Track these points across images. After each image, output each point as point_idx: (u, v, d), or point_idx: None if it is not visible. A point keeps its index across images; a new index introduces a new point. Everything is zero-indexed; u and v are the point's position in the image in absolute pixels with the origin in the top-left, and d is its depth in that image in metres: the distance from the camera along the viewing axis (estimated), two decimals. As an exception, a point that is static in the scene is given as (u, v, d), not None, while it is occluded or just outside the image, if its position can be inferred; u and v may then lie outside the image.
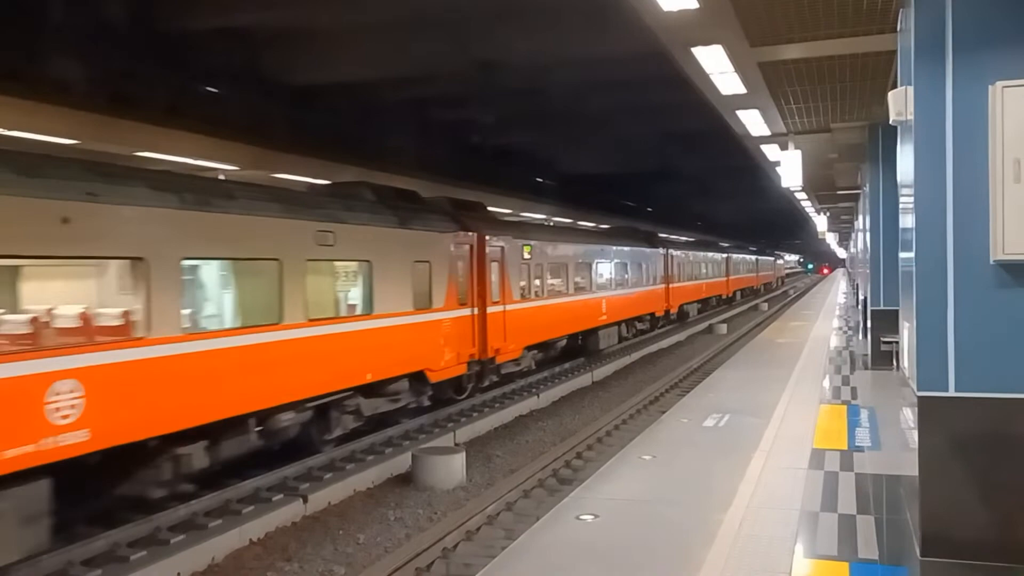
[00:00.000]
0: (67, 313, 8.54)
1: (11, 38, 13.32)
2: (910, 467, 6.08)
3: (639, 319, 28.53)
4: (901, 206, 6.92)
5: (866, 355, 15.94)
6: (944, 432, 5.51)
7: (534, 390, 18.14)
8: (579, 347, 22.71)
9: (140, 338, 8.42)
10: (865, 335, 17.94)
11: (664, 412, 13.21)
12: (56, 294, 8.91)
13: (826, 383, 13.81)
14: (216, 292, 10.37)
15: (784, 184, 17.30)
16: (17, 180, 7.40)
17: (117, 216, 8.26)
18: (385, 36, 16.17)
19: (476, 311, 15.76)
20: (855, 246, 35.68)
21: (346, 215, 12.00)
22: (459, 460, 11.67)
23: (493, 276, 16.56)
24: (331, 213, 11.69)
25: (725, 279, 46.27)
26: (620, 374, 22.71)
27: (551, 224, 33.32)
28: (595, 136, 27.57)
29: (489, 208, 19.39)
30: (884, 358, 14.53)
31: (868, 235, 17.01)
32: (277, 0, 14.51)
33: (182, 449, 9.05)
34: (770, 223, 78.11)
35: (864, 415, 11.01)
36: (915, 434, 5.74)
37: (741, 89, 10.94)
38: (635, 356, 25.57)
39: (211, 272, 10.27)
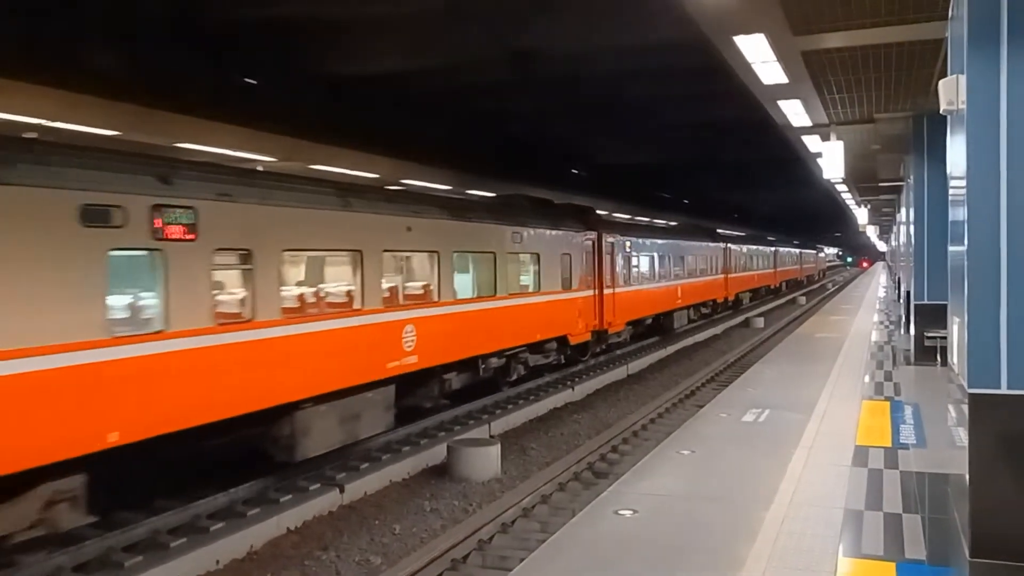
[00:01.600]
0: (402, 284, 13.29)
1: (54, 32, 13.50)
2: (957, 465, 5.94)
3: (703, 304, 32.40)
4: (951, 198, 6.74)
5: (908, 350, 15.65)
6: (995, 430, 5.36)
7: (568, 383, 18.09)
8: (659, 326, 26.52)
9: (436, 301, 12.99)
10: (907, 330, 17.62)
11: (701, 406, 13.10)
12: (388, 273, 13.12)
13: (868, 379, 13.57)
14: (466, 273, 14.61)
15: (825, 176, 17.04)
16: (387, 205, 12.00)
17: (427, 225, 12.79)
18: (421, 27, 16.14)
19: (596, 292, 20.04)
20: (897, 239, 35.07)
21: (527, 220, 16.61)
22: (494, 452, 11.67)
23: (607, 266, 20.68)
24: (519, 220, 16.26)
25: (773, 271, 49.72)
26: (655, 367, 22.54)
27: (643, 223, 37.71)
28: (632, 127, 27.28)
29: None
30: (927, 353, 14.27)
31: (912, 228, 16.67)
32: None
33: (446, 375, 13.54)
34: (810, 216, 76.85)
35: (908, 411, 10.78)
36: (961, 431, 5.60)
37: (783, 79, 10.77)
38: (670, 349, 25.38)
39: (463, 260, 14.44)
